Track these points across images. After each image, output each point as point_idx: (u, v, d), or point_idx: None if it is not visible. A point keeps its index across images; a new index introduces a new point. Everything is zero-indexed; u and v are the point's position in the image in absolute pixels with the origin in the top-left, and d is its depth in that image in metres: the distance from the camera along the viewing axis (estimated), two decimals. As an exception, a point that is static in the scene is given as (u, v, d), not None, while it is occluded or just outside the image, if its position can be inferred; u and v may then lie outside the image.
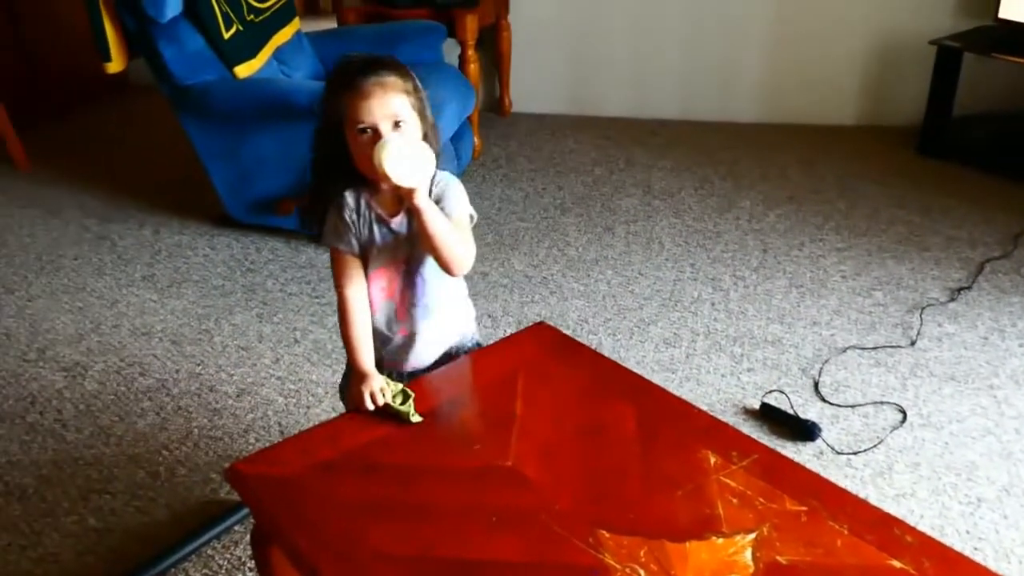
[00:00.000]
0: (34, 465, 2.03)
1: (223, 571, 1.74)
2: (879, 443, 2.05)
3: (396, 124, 1.36)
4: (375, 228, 1.45)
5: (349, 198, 1.45)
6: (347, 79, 1.37)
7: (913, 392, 2.23)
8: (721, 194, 3.35)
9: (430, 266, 1.48)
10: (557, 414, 1.43)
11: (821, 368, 2.32)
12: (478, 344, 1.66)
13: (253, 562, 1.49)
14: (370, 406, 1.40)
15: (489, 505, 1.24)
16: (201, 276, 2.84)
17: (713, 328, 2.50)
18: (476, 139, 3.55)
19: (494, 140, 3.85)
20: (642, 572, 1.13)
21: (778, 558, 1.15)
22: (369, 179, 1.42)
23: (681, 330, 2.50)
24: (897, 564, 1.14)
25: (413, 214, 1.39)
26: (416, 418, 1.38)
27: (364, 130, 1.35)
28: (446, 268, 1.45)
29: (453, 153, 3.22)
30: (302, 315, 2.58)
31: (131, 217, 3.22)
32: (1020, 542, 1.79)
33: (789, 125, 3.94)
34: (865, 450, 2.03)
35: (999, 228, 3.04)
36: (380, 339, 1.53)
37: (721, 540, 1.18)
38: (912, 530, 1.20)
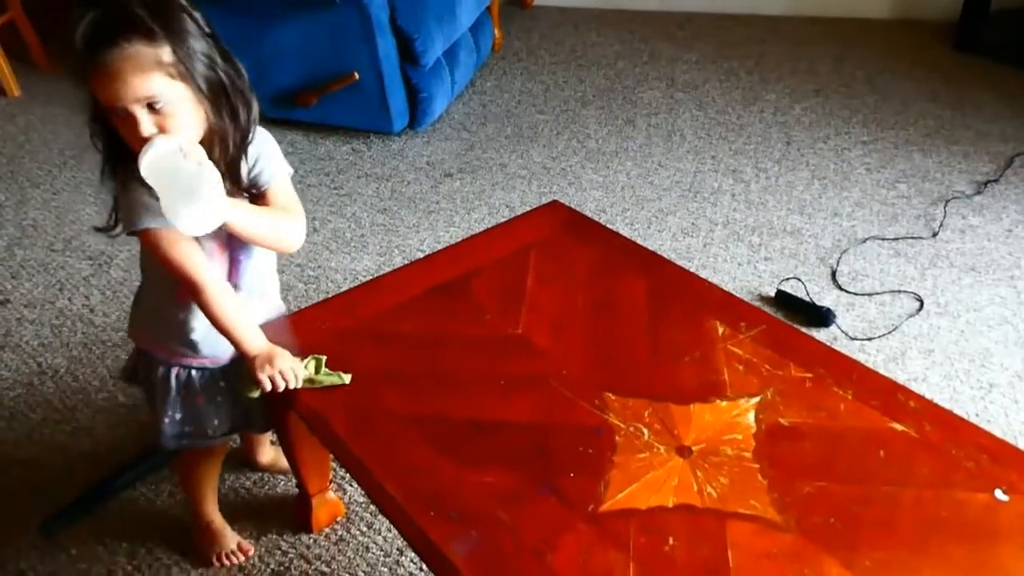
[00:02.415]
0: (65, 347, 2.09)
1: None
2: (894, 330, 2.05)
3: (151, 107, 1.06)
4: None
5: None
6: (84, 48, 1.05)
7: (932, 282, 2.22)
8: (746, 87, 3.27)
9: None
10: (568, 287, 1.45)
11: (839, 257, 2.30)
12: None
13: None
14: (282, 386, 1.23)
15: (499, 371, 1.27)
16: (221, 169, 2.85)
17: (732, 218, 2.48)
18: (497, 31, 3.48)
19: (515, 33, 3.76)
20: (646, 431, 1.16)
21: (781, 420, 1.18)
22: None
23: (699, 220, 2.48)
24: (899, 427, 1.16)
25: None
26: (347, 377, 1.26)
27: (119, 112, 1.07)
28: (278, 249, 1.32)
29: (473, 45, 3.17)
30: (321, 205, 2.59)
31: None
32: (1029, 425, 1.81)
33: (820, 18, 3.81)
34: (879, 336, 2.03)
35: (1032, 123, 2.95)
36: (210, 337, 1.29)
37: (725, 403, 1.20)
38: (915, 396, 1.22)
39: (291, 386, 1.23)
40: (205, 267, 1.19)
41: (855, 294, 2.17)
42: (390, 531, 1.58)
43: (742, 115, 3.06)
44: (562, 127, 3.01)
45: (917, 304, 2.14)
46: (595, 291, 1.44)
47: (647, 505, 1.06)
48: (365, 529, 1.60)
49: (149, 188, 1.08)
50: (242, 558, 1.53)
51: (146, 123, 1.07)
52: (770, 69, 3.41)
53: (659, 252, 2.30)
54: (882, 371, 1.92)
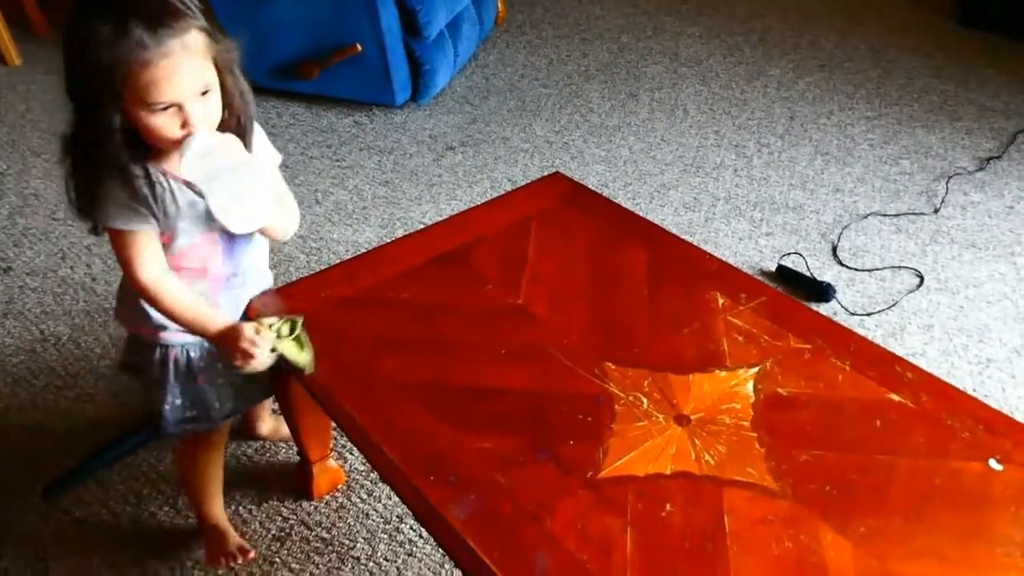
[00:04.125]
0: (67, 315, 2.10)
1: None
2: (893, 305, 2.06)
3: (203, 93, 1.05)
4: (178, 196, 1.13)
5: (134, 167, 1.09)
6: (120, 34, 0.97)
7: (932, 258, 2.22)
8: (750, 62, 3.25)
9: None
10: (568, 258, 1.45)
11: (840, 233, 2.30)
12: None
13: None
14: (263, 359, 1.16)
15: (499, 339, 1.28)
16: (223, 140, 2.85)
17: (734, 193, 2.48)
18: (500, 4, 3.45)
19: (518, 7, 3.73)
20: (645, 400, 1.17)
21: (779, 390, 1.18)
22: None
23: (701, 195, 2.48)
24: (896, 397, 1.17)
25: None
26: (307, 356, 1.21)
27: (159, 108, 1.03)
28: (274, 238, 1.29)
29: (476, 18, 3.15)
30: (323, 177, 2.59)
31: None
32: (1026, 399, 1.82)
33: (826, -8, 3.79)
34: (879, 311, 2.04)
35: (1037, 99, 2.94)
36: (216, 305, 1.26)
37: (724, 373, 1.21)
38: (913, 367, 1.23)
39: (258, 360, 1.15)
40: (159, 268, 1.16)
41: (856, 269, 2.18)
42: (390, 498, 1.60)
43: (745, 90, 3.05)
44: (565, 101, 3.00)
45: (917, 280, 2.15)
46: (595, 262, 1.44)
47: (645, 472, 1.07)
48: (365, 496, 1.61)
49: (128, 184, 1.07)
50: (241, 560, 1.50)
51: (199, 115, 1.05)
52: (774, 44, 3.39)
53: (661, 226, 2.32)
54: (881, 346, 1.94)
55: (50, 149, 2.84)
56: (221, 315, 1.21)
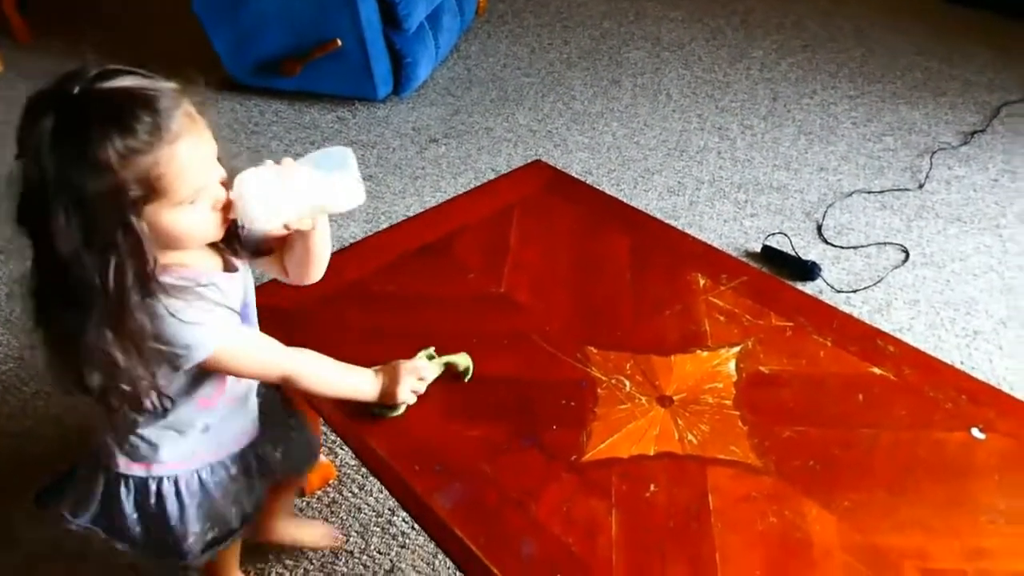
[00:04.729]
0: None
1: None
2: (879, 281, 2.06)
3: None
4: (226, 288, 0.99)
5: (170, 278, 0.91)
6: (122, 123, 0.82)
7: (917, 233, 2.23)
8: (733, 44, 3.25)
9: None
10: (550, 245, 1.45)
11: (825, 212, 2.31)
12: None
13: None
14: (421, 390, 1.14)
15: (483, 328, 1.28)
16: (206, 140, 2.84)
17: (718, 176, 2.48)
18: (480, -6, 3.45)
19: (499, -4, 3.73)
20: (627, 383, 1.17)
21: (761, 368, 1.19)
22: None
23: (685, 179, 2.48)
24: (877, 371, 1.18)
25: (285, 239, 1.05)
26: (465, 359, 1.18)
27: (188, 200, 0.88)
28: (310, 278, 1.14)
29: (457, 9, 3.14)
30: (307, 174, 2.58)
31: (134, 85, 3.18)
32: (1013, 370, 1.82)
33: (807, -28, 3.78)
34: (865, 288, 2.05)
35: (1020, 73, 2.95)
36: (229, 418, 1.11)
37: (706, 353, 1.21)
38: (895, 341, 1.23)
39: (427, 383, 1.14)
40: (285, 350, 1.05)
41: (841, 247, 2.18)
42: (381, 492, 1.60)
43: (728, 73, 3.05)
44: (548, 89, 3.00)
45: (903, 255, 2.15)
46: (577, 248, 1.44)
47: (629, 454, 1.07)
48: (357, 491, 1.62)
49: (185, 292, 0.90)
50: None
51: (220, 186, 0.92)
52: (756, 25, 3.39)
53: (646, 211, 2.32)
54: (868, 322, 1.95)
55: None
56: (356, 369, 1.12)
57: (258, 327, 1.10)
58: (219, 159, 0.92)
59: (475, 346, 1.25)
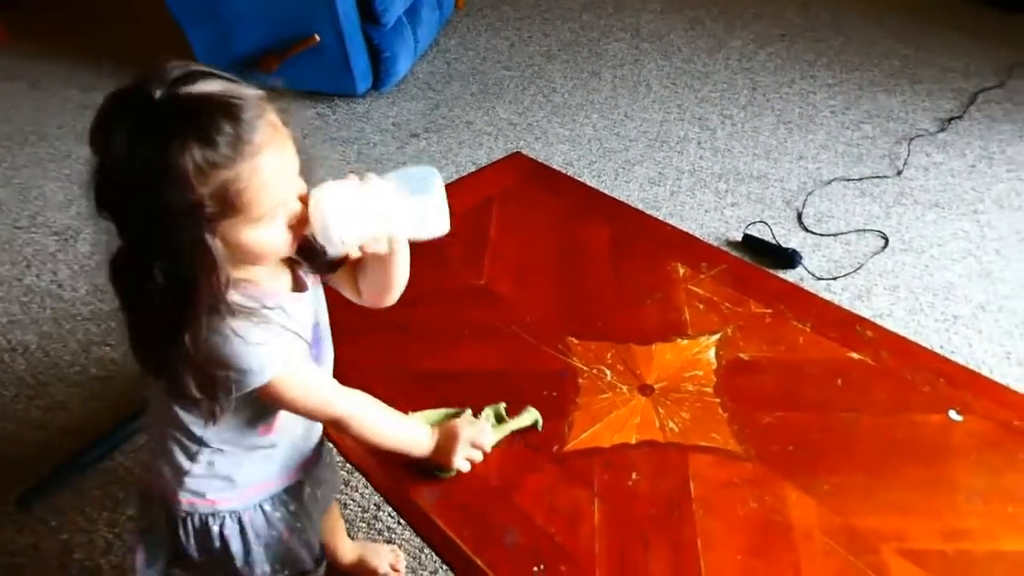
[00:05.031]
0: (34, 323, 2.08)
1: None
2: (859, 268, 2.08)
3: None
4: (293, 311, 0.92)
5: (237, 296, 0.85)
6: (203, 133, 0.75)
7: (896, 219, 2.24)
8: (712, 35, 3.26)
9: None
10: (531, 236, 1.45)
11: (805, 200, 2.32)
12: None
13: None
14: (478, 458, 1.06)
15: (463, 321, 1.28)
16: (185, 139, 2.82)
17: (698, 166, 2.49)
18: (458, -12, 3.44)
19: (478, -10, 3.72)
20: (608, 372, 1.17)
21: (741, 355, 1.19)
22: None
23: (666, 169, 2.49)
24: (856, 356, 1.19)
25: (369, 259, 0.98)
26: (534, 415, 1.10)
27: (269, 216, 0.82)
28: (385, 302, 1.08)
29: (435, 3, 3.13)
30: (288, 171, 2.57)
31: (113, 85, 3.16)
32: (992, 353, 1.84)
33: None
34: (845, 275, 2.06)
35: (996, 59, 2.97)
36: (291, 446, 1.04)
37: (686, 341, 1.22)
38: (873, 326, 1.24)
39: (486, 451, 1.07)
40: (342, 392, 0.99)
41: (821, 235, 2.19)
42: (366, 488, 1.60)
43: (707, 63, 3.06)
44: (528, 82, 3.00)
45: (882, 242, 2.17)
46: (558, 239, 1.44)
47: (610, 443, 1.07)
48: (342, 488, 1.61)
49: (252, 315, 0.85)
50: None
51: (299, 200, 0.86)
52: (735, 15, 3.40)
53: (627, 202, 2.33)
54: (848, 309, 1.96)
55: (9, 157, 2.80)
56: (411, 421, 1.08)
57: (332, 348, 1.06)
58: (300, 172, 0.85)
59: (457, 339, 1.25)
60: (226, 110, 0.77)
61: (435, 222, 0.93)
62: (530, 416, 1.10)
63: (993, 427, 1.09)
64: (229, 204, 0.78)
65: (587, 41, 3.26)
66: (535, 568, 0.94)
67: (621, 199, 1.60)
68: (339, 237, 0.86)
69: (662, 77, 2.98)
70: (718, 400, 1.12)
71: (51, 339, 2.03)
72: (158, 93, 0.76)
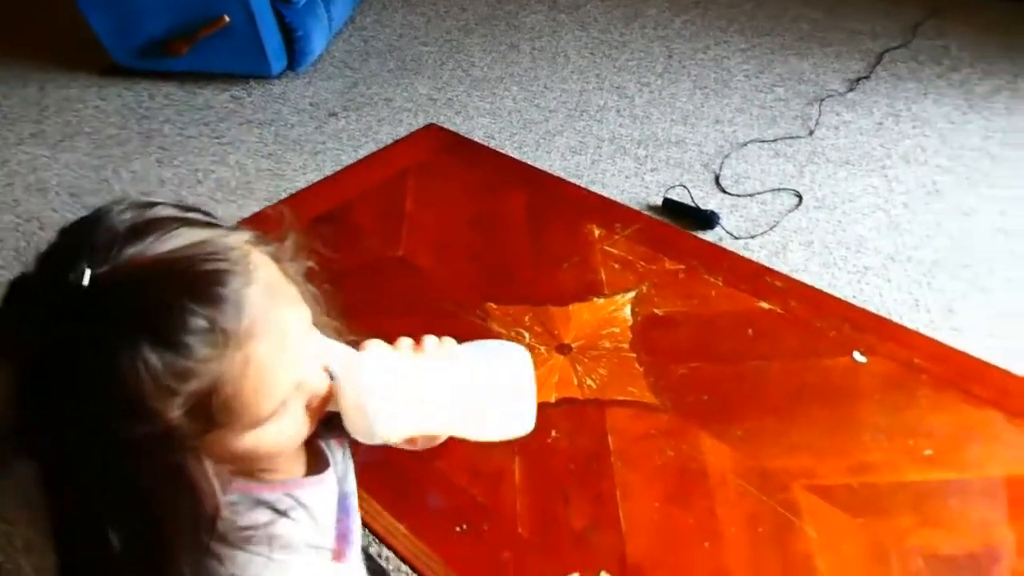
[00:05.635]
0: None
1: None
2: (775, 226, 2.13)
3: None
4: (312, 501, 0.71)
5: (235, 517, 0.62)
6: (163, 333, 0.51)
7: (809, 178, 2.31)
8: (627, 4, 3.28)
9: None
10: (447, 207, 1.45)
11: (722, 163, 2.37)
12: None
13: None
14: None
15: (383, 293, 1.28)
16: (93, 128, 2.73)
17: (618, 134, 2.52)
18: (372, -35, 3.39)
19: (393, -34, 3.68)
20: (527, 335, 1.18)
21: (655, 311, 1.22)
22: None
23: (587, 138, 2.51)
24: (766, 306, 1.22)
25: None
26: None
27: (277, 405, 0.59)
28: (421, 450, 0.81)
29: (347, -20, 3.08)
30: (203, 156, 2.51)
31: (13, 76, 3.04)
32: (901, 301, 1.91)
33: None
34: (762, 233, 2.11)
35: (901, 19, 3.05)
36: None
37: (602, 300, 1.24)
38: (782, 277, 1.28)
39: None
40: None
41: (738, 196, 2.24)
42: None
43: (624, 32, 3.08)
44: (446, 57, 2.98)
45: (796, 200, 2.22)
46: (475, 208, 1.45)
47: (531, 403, 1.09)
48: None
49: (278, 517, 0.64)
50: None
51: (320, 375, 0.65)
52: (650, -16, 3.42)
53: (549, 172, 2.34)
54: (753, 260, 2.02)
55: (-95, 153, 2.67)
56: None
57: (359, 515, 0.84)
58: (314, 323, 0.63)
59: (377, 311, 1.24)
60: (196, 287, 0.52)
61: (513, 422, 0.70)
62: None
63: (895, 367, 1.14)
64: (213, 418, 0.54)
65: (504, 14, 3.25)
66: (457, 528, 0.95)
67: (544, 169, 1.61)
68: (384, 436, 0.66)
69: (580, 47, 3.00)
70: (634, 355, 1.15)
71: None
72: (86, 273, 0.50)
